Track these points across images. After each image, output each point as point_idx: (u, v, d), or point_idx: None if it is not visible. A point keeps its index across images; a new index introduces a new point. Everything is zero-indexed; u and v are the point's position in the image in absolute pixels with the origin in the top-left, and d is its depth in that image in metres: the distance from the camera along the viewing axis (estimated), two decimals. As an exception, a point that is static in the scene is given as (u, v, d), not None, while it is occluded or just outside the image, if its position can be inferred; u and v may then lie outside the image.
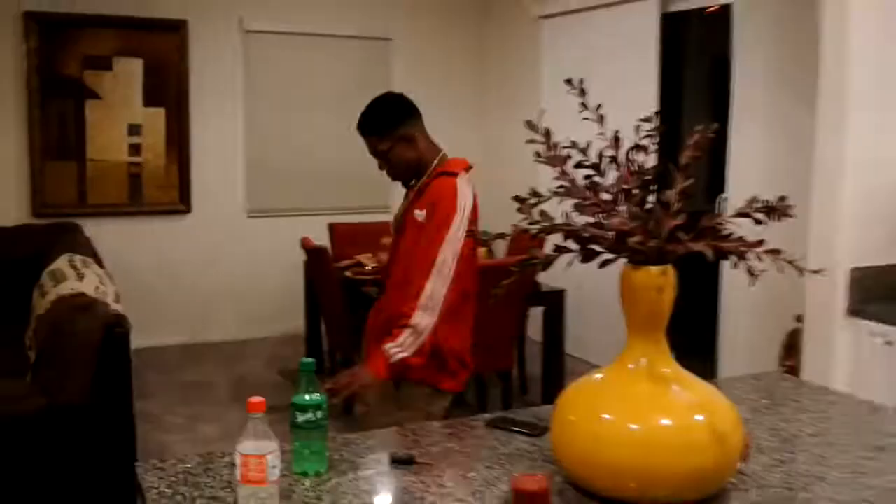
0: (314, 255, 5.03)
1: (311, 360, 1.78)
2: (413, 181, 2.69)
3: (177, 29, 6.19)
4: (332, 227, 5.94)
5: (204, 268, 6.41)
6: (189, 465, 1.80)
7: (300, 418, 1.73)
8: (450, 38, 7.12)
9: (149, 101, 6.19)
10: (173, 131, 6.28)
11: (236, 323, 6.50)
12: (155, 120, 6.22)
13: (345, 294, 4.88)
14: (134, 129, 6.17)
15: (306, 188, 6.67)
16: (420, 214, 2.55)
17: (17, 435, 3.15)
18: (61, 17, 5.89)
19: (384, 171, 2.68)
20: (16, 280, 5.22)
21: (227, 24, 6.37)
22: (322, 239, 5.45)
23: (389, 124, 2.60)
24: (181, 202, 6.35)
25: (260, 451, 1.50)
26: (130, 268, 5.86)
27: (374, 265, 5.08)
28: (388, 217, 6.49)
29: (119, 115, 6.13)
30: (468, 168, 2.65)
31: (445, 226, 2.49)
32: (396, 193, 6.77)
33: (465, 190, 2.55)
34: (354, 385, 2.43)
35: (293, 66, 6.61)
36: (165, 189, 6.30)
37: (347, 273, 5.00)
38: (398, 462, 1.80)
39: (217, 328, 6.47)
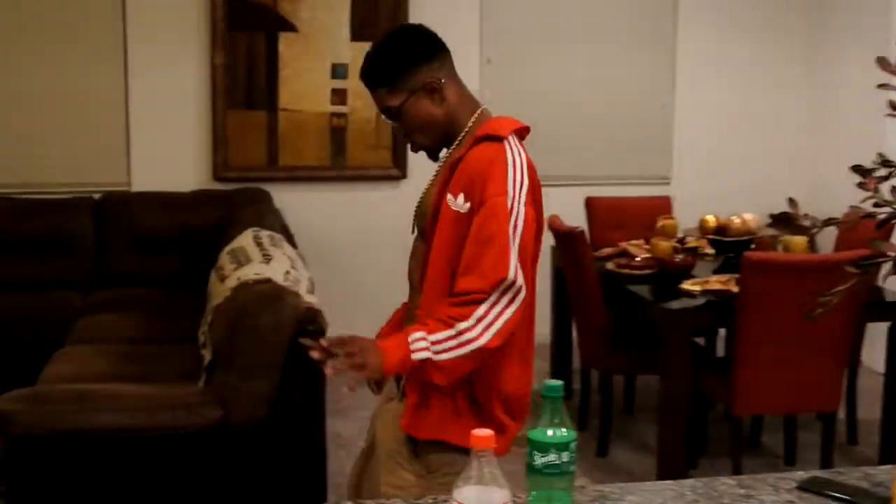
0: (565, 241, 5.04)
1: (558, 382, 1.76)
2: (442, 151, 2.57)
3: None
4: (590, 203, 5.95)
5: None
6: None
7: (539, 460, 1.73)
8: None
9: (357, 33, 6.44)
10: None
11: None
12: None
13: (605, 293, 4.87)
14: (338, 70, 6.43)
15: (557, 149, 6.68)
16: (458, 203, 2.38)
17: (185, 451, 3.39)
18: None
19: (405, 143, 2.62)
20: (191, 259, 5.63)
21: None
22: (576, 218, 5.46)
23: (401, 68, 2.43)
24: (395, 165, 6.58)
25: (486, 502, 1.52)
26: (328, 248, 6.12)
27: (644, 256, 5.04)
28: (667, 191, 6.59)
29: (320, 51, 6.42)
30: (521, 131, 2.48)
31: (501, 216, 2.32)
32: (681, 156, 6.90)
33: (518, 161, 2.37)
34: (355, 366, 2.24)
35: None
36: (375, 149, 6.54)
37: (609, 265, 5.01)
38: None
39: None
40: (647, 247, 5.21)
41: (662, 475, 4.42)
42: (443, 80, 2.45)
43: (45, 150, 6.18)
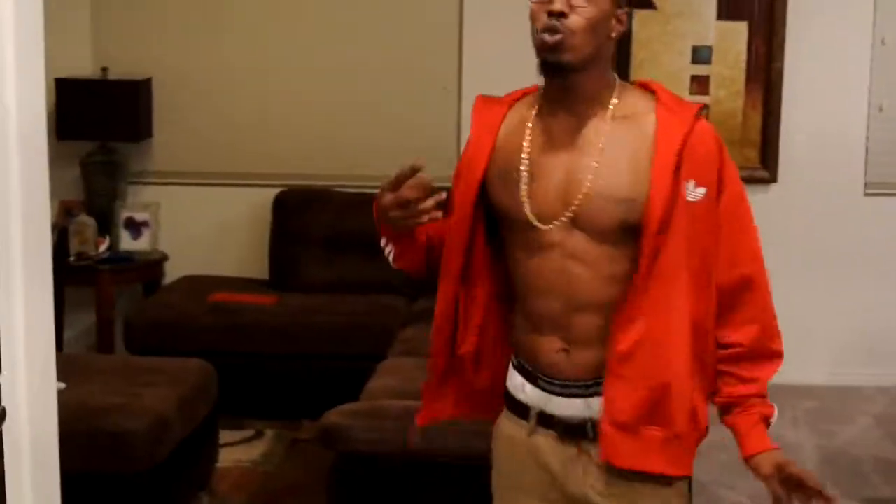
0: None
1: None
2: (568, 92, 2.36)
3: None
4: None
5: (787, 260, 6.35)
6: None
7: None
8: None
9: (726, 11, 6.34)
10: (759, 58, 6.39)
11: (830, 359, 6.41)
12: (733, 40, 6.38)
13: None
14: (701, 54, 6.38)
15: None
16: (698, 191, 2.28)
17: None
18: None
19: (552, 35, 2.26)
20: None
21: None
22: None
23: None
24: (763, 166, 6.45)
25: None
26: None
27: None
28: None
29: (680, 31, 6.37)
30: None
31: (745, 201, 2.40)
32: None
33: None
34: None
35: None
36: (740, 146, 6.40)
37: None
38: None
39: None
40: None
41: None
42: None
43: (374, 140, 6.46)
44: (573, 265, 2.29)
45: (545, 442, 2.40)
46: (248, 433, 5.68)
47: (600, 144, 2.28)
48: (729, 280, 2.34)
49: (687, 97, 6.27)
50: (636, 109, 2.31)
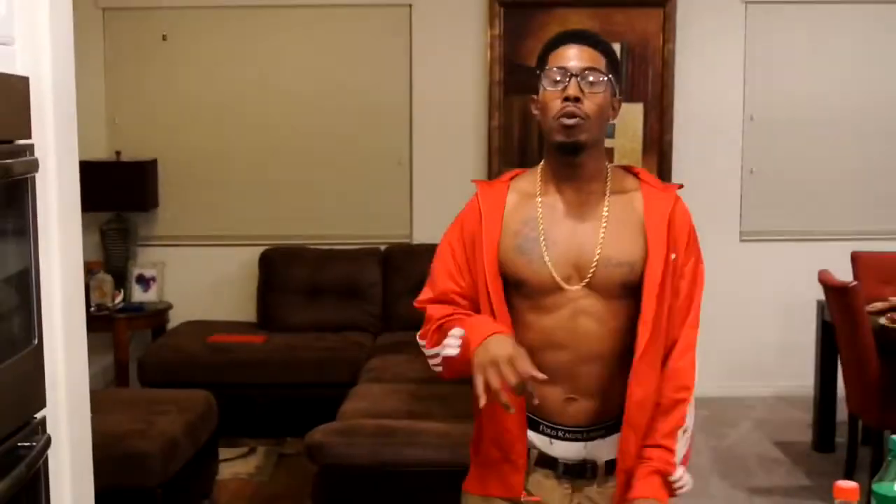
0: (837, 295, 4.84)
1: None
2: (572, 171, 2.23)
3: (662, 5, 6.37)
4: (856, 258, 5.71)
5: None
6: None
7: (884, 516, 1.66)
8: None
9: (626, 94, 6.33)
10: (653, 132, 6.48)
11: (719, 374, 6.48)
12: (632, 118, 6.45)
13: (878, 347, 4.66)
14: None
15: (820, 205, 6.51)
16: (671, 256, 2.22)
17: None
18: (528, -1, 6.37)
19: (565, 120, 2.14)
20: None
21: None
22: (840, 272, 5.24)
23: (617, 63, 2.28)
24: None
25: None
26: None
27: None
28: None
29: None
30: None
31: (702, 263, 2.34)
32: None
33: None
34: None
35: (809, 42, 6.49)
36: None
37: (884, 320, 4.77)
38: None
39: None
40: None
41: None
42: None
43: (342, 206, 6.55)
44: (584, 321, 2.20)
45: (544, 480, 2.28)
46: (243, 450, 5.64)
47: (604, 216, 2.21)
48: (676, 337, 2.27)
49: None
50: (625, 187, 2.25)
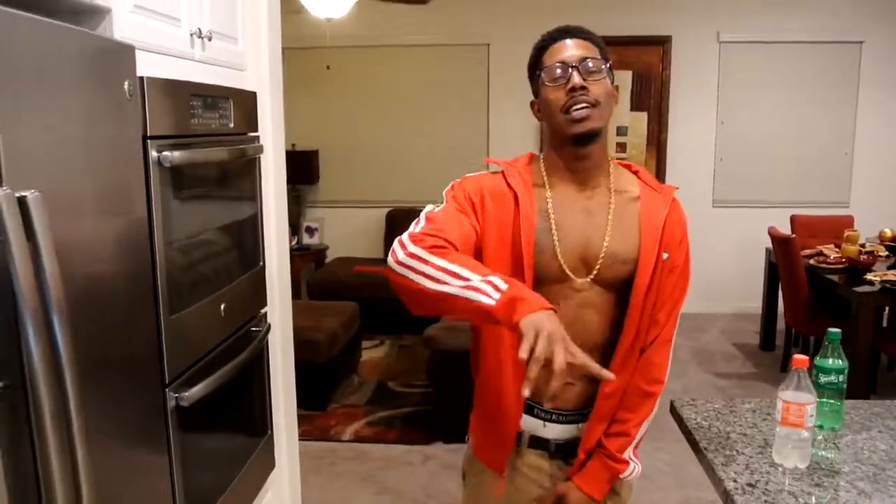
0: (781, 244, 4.80)
1: (837, 330, 1.69)
2: (583, 165, 1.59)
3: (662, 43, 6.27)
4: (794, 220, 5.63)
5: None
6: (717, 406, 1.87)
7: (822, 379, 1.69)
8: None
9: (635, 105, 6.35)
10: (653, 133, 6.39)
11: (697, 297, 6.44)
12: (639, 122, 6.37)
13: (808, 279, 4.62)
14: (621, 131, 6.38)
15: (769, 183, 6.38)
16: (663, 255, 1.61)
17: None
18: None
19: (577, 110, 1.52)
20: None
21: (706, 37, 6.30)
22: (783, 228, 5.18)
23: (607, 56, 1.59)
24: (656, 191, 6.40)
25: (800, 401, 1.50)
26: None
27: (836, 255, 4.74)
28: (847, 211, 6.11)
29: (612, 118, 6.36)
30: None
31: (689, 262, 1.68)
32: (859, 188, 6.36)
33: None
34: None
35: (763, 71, 6.33)
36: (643, 180, 6.41)
37: (811, 262, 4.72)
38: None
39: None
40: (837, 250, 4.89)
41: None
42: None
43: (437, 182, 6.38)
44: (587, 311, 1.60)
45: (535, 458, 1.69)
46: (377, 342, 5.67)
47: (609, 212, 1.60)
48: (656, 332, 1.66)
49: (615, 154, 6.32)
50: (626, 183, 1.63)
